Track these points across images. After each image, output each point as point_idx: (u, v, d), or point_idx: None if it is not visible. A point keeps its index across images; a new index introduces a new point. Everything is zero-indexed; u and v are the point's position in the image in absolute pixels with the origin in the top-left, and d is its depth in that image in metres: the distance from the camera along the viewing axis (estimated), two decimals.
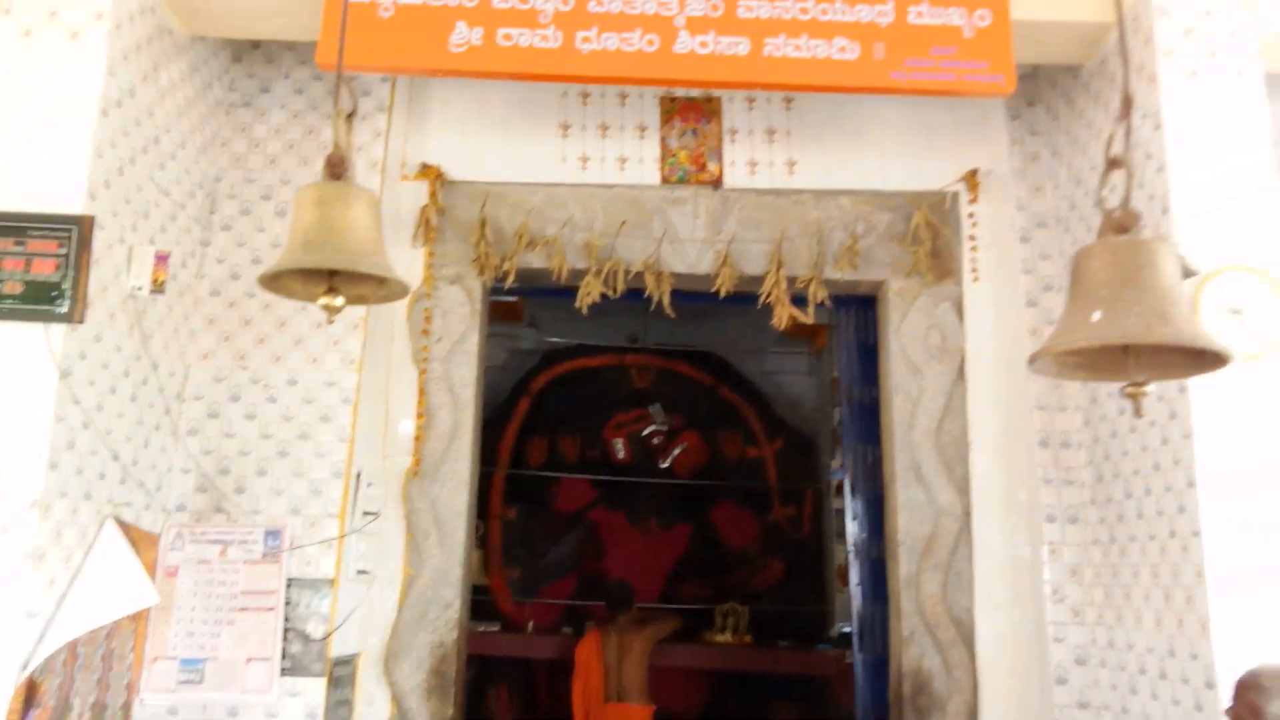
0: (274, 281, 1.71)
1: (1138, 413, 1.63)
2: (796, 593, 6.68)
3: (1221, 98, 3.13)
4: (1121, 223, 1.63)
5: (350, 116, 1.72)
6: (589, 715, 5.31)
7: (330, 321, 1.76)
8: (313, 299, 1.70)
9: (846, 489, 4.36)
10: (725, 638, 6.22)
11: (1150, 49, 3.18)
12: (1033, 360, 1.72)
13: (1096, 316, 1.56)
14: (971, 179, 3.93)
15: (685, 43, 3.23)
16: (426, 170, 3.97)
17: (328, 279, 1.68)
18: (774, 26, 3.25)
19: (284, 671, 3.39)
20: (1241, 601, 2.81)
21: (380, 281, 1.74)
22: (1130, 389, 1.63)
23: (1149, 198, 3.16)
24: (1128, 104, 1.66)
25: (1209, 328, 2.92)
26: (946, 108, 4.00)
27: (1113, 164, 1.69)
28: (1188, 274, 2.82)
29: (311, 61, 3.71)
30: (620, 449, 6.87)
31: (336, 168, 1.68)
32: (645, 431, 6.89)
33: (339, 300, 1.68)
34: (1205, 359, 1.66)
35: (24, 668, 2.78)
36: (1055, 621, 3.57)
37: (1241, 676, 2.40)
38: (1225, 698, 2.48)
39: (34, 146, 3.00)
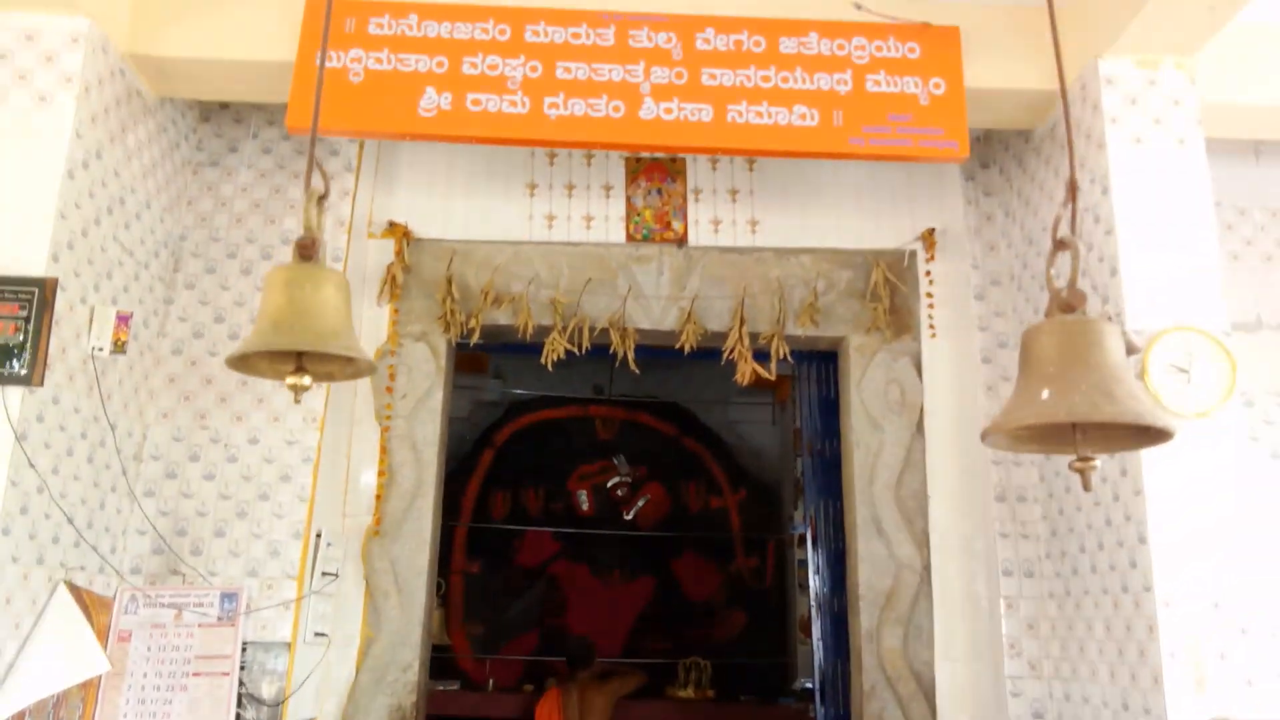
0: (242, 362, 1.72)
1: (1085, 486, 1.69)
2: (759, 644, 6.67)
3: (1166, 163, 3.26)
4: (1068, 302, 1.70)
5: (322, 199, 1.75)
6: None
7: (297, 400, 1.77)
8: (280, 377, 1.71)
9: (808, 544, 4.40)
10: (688, 693, 6.17)
11: (1097, 116, 3.31)
12: (985, 436, 1.78)
13: (1045, 394, 1.62)
14: (929, 238, 4.04)
15: (650, 109, 3.31)
16: (394, 228, 3.99)
17: (295, 358, 1.69)
18: (736, 94, 3.34)
19: None
20: (1193, 656, 2.87)
21: (348, 360, 1.76)
22: (1078, 463, 1.69)
23: (1098, 259, 3.27)
24: (1073, 187, 1.74)
25: (1155, 387, 3.02)
26: (903, 169, 4.12)
27: (1060, 245, 1.76)
28: (1132, 350, 2.93)
29: (280, 121, 3.74)
30: (584, 501, 6.86)
31: (307, 250, 1.70)
32: (609, 483, 6.89)
33: (306, 380, 1.69)
34: (1150, 434, 1.73)
35: None
36: (1013, 675, 3.60)
37: None
38: None
39: None
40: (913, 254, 4.07)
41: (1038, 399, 1.62)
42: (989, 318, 3.93)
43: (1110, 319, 3.12)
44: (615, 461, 6.95)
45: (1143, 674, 2.97)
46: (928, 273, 4.04)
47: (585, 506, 6.86)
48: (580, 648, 5.55)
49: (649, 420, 7.19)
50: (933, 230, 4.05)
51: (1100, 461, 3.20)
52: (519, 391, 7.33)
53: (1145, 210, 3.21)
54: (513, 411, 7.20)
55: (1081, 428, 1.69)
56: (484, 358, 6.63)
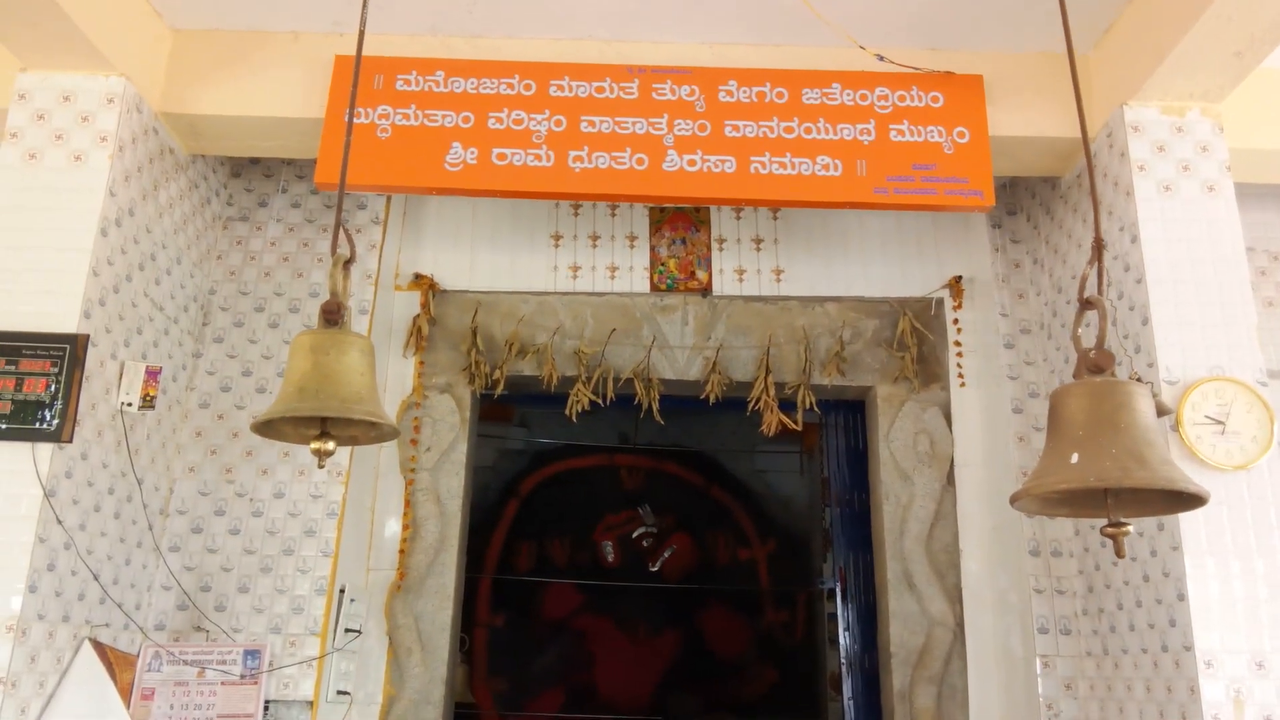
0: (267, 427, 1.72)
1: (1119, 553, 1.63)
2: (789, 703, 6.51)
3: (1195, 210, 3.22)
4: (1097, 363, 1.66)
5: (348, 264, 1.75)
6: None
7: (321, 466, 1.76)
8: (305, 442, 1.71)
9: (838, 597, 4.31)
10: None
11: (1125, 163, 3.29)
12: (1014, 500, 1.73)
13: (1074, 459, 1.58)
14: (956, 285, 4.00)
15: (674, 161, 3.32)
16: (420, 280, 4.02)
17: (320, 424, 1.69)
18: (759, 145, 3.36)
19: None
20: (1236, 718, 2.76)
21: (372, 425, 1.75)
22: (1110, 529, 1.64)
23: (1129, 309, 3.22)
24: (1099, 246, 1.71)
25: (1190, 439, 2.95)
26: (930, 217, 4.10)
27: (1087, 304, 1.73)
28: (1162, 412, 2.87)
29: (309, 175, 3.79)
30: (609, 552, 6.77)
31: (332, 315, 1.71)
32: (635, 533, 6.81)
33: (330, 445, 1.69)
34: (1184, 498, 1.67)
35: None
36: None
37: None
38: None
39: (31, 266, 3.03)
40: (940, 302, 4.04)
41: (1067, 463, 1.58)
42: (1019, 366, 3.88)
43: (1140, 379, 3.06)
44: (641, 511, 6.87)
45: None
46: (955, 321, 4.00)
47: (610, 558, 6.77)
48: (683, 707, 5.41)
49: (675, 469, 7.10)
50: (960, 278, 4.02)
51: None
52: (544, 440, 7.30)
53: (1176, 258, 3.17)
54: (538, 461, 7.14)
55: (1114, 492, 1.65)
56: (510, 407, 6.61)
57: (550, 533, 6.86)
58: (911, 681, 3.70)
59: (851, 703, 4.10)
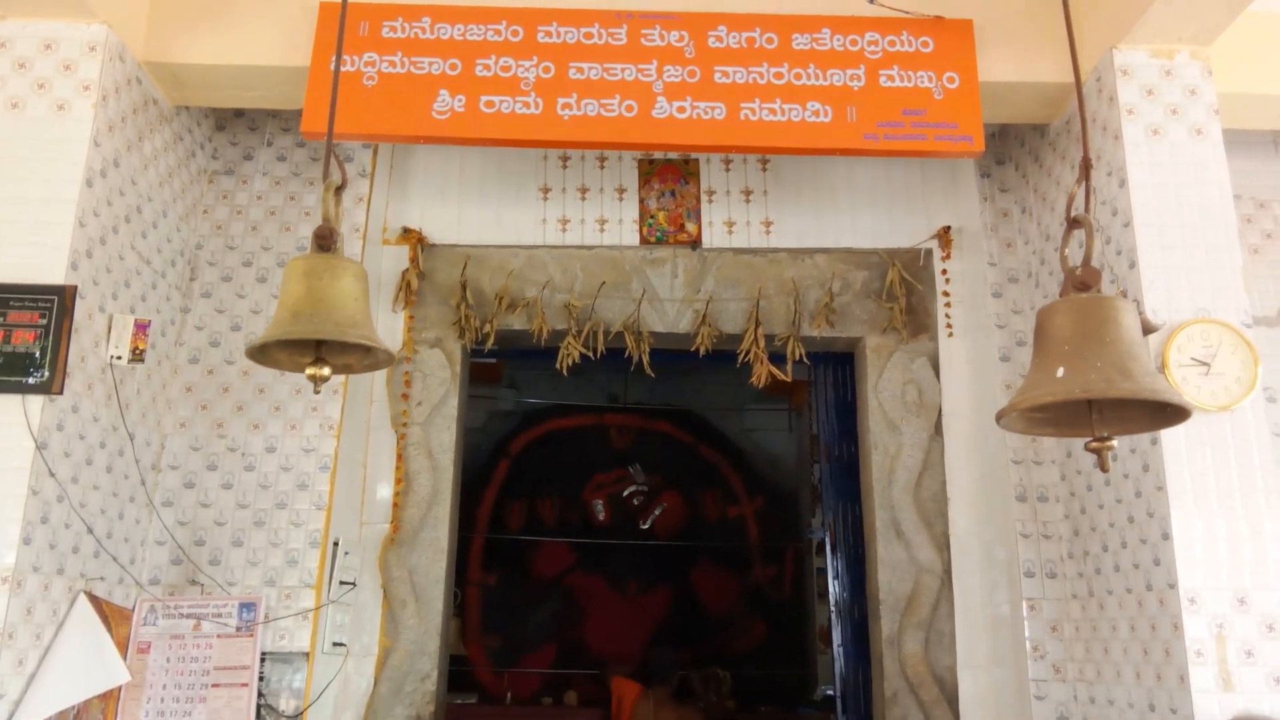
0: (261, 353, 1.72)
1: (1103, 467, 1.66)
2: (778, 655, 6.60)
3: (1183, 154, 3.23)
4: (1083, 280, 1.68)
5: (339, 190, 1.75)
6: None
7: (316, 391, 1.76)
8: (299, 369, 1.71)
9: (827, 548, 4.36)
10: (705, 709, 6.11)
11: (1114, 108, 3.29)
12: (1000, 417, 1.75)
13: (1060, 373, 1.60)
14: (944, 236, 4.02)
15: (663, 108, 3.31)
16: (408, 234, 4.00)
17: (314, 349, 1.69)
18: (749, 91, 3.34)
19: None
20: (1219, 655, 2.82)
21: (366, 350, 1.75)
22: (1095, 444, 1.67)
23: (1116, 253, 3.24)
24: (1086, 165, 1.72)
25: (1176, 380, 2.99)
26: (918, 167, 4.10)
27: (1074, 223, 1.74)
28: (1148, 330, 2.89)
29: (295, 129, 3.76)
30: (600, 510, 6.82)
31: (325, 240, 1.70)
32: (625, 492, 6.85)
33: (325, 370, 1.69)
34: (1168, 413, 1.70)
35: None
36: (1036, 679, 3.55)
37: None
38: None
39: (17, 217, 3.00)
40: (929, 253, 4.05)
41: (1053, 378, 1.60)
42: (1007, 315, 3.90)
43: (1125, 293, 3.07)
44: (631, 470, 6.91)
45: (1168, 674, 2.92)
46: (944, 271, 4.02)
47: (601, 516, 6.82)
48: (662, 657, 5.49)
49: (665, 428, 7.15)
50: (948, 228, 4.03)
51: (1122, 456, 3.17)
52: (533, 400, 7.32)
53: (1163, 202, 3.18)
54: (528, 421, 7.18)
55: (1098, 407, 1.67)
56: (498, 367, 6.62)
57: (541, 492, 6.90)
58: (900, 628, 3.75)
59: (841, 649, 4.16)
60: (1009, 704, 3.62)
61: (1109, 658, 3.27)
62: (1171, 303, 3.07)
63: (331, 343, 1.69)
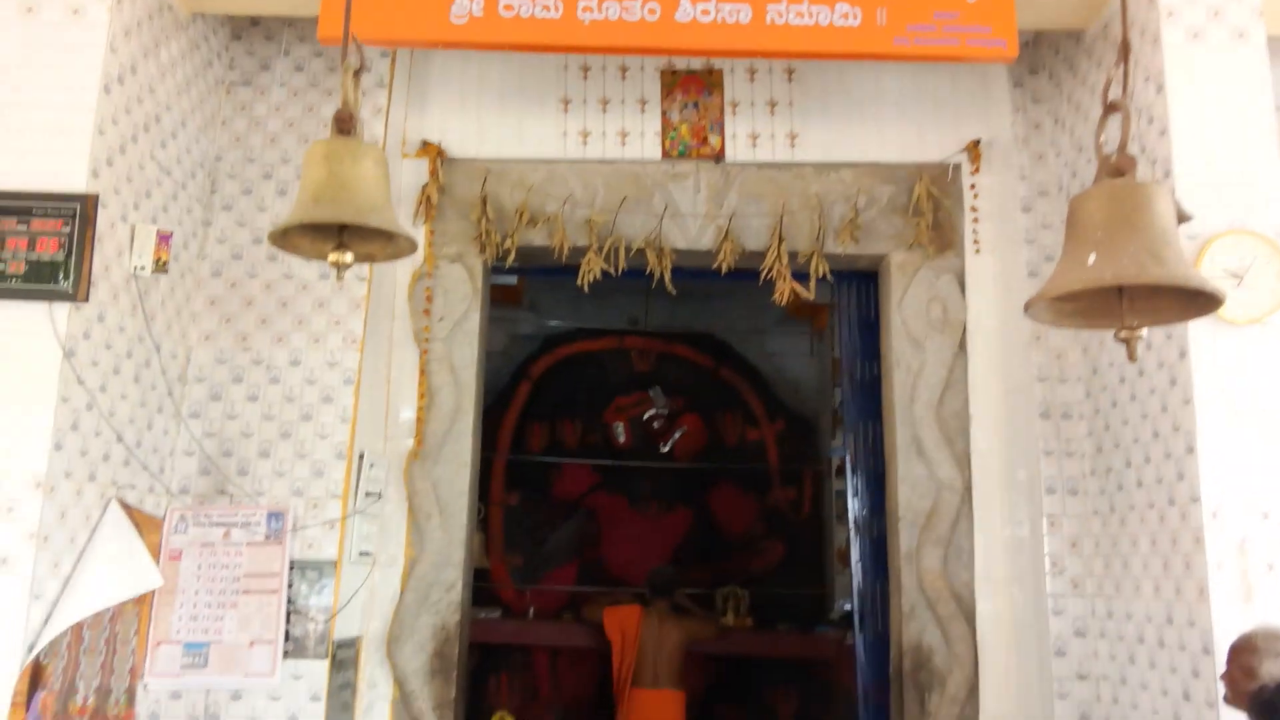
0: (283, 239, 1.71)
1: (1130, 356, 1.63)
2: (796, 575, 6.68)
3: (1224, 60, 3.13)
4: (1118, 166, 1.63)
5: (358, 73, 1.72)
6: (619, 690, 5.28)
7: (339, 279, 1.76)
8: (321, 256, 1.70)
9: (848, 467, 4.36)
10: (727, 621, 6.22)
11: (1153, 10, 3.18)
12: (1028, 307, 1.72)
13: (1091, 260, 1.56)
14: (974, 149, 3.93)
15: (687, 11, 3.22)
16: (427, 148, 3.96)
17: (336, 235, 1.68)
18: None
19: (286, 654, 3.39)
20: (1239, 567, 2.82)
21: (388, 238, 1.74)
22: (1124, 333, 1.63)
23: (1151, 162, 3.16)
24: (1126, 48, 1.66)
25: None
26: (948, 77, 3.99)
27: (1110, 108, 1.69)
28: (1182, 218, 2.81)
29: (312, 38, 3.69)
30: (621, 433, 6.86)
31: (345, 123, 1.68)
32: (646, 415, 6.88)
33: (348, 256, 1.68)
34: (1199, 301, 1.66)
35: (30, 650, 2.78)
36: (1054, 594, 3.57)
37: (1236, 640, 2.42)
38: (1222, 663, 2.50)
39: (36, 124, 3.00)
40: (957, 167, 3.97)
41: (1084, 265, 1.56)
42: (1036, 230, 3.83)
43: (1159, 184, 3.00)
44: (651, 394, 6.93)
45: (1188, 587, 2.92)
46: (972, 186, 3.94)
47: (622, 439, 6.87)
48: (661, 576, 5.56)
49: (685, 352, 7.15)
50: (978, 141, 3.94)
51: (1149, 371, 3.13)
52: (554, 323, 7.32)
53: (1201, 109, 3.09)
54: (549, 344, 7.19)
55: (1129, 296, 1.63)
56: (519, 289, 6.60)
57: (562, 415, 6.95)
58: (918, 544, 3.78)
59: (859, 566, 4.19)
60: (1026, 619, 3.65)
61: (1128, 572, 3.28)
62: (1206, 212, 3.00)
63: (353, 229, 1.68)
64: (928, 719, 3.62)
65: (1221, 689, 2.43)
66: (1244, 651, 2.36)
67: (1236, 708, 2.39)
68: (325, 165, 1.64)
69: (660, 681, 5.26)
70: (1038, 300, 1.67)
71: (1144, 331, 1.64)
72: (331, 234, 1.69)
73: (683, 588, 5.68)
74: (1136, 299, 1.66)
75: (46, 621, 2.83)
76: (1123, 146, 1.65)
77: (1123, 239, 1.54)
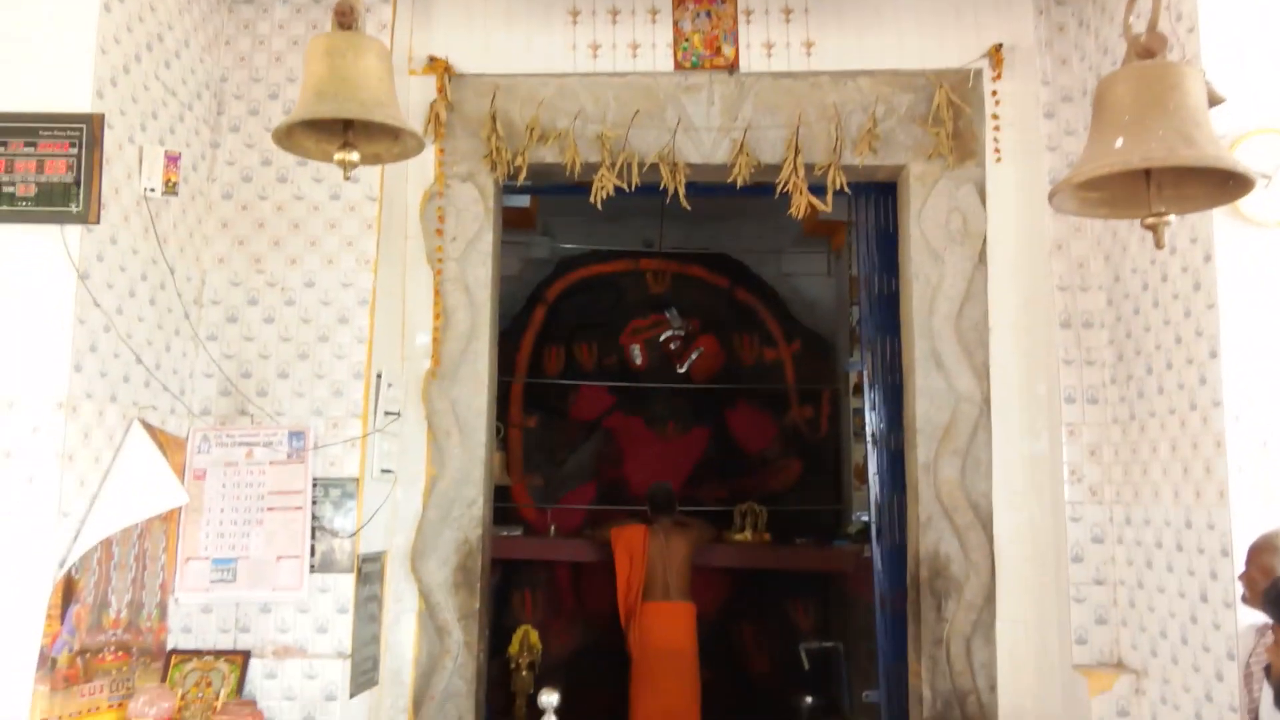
0: (287, 138, 1.68)
1: (1158, 244, 1.59)
2: (814, 493, 6.74)
3: None
4: (1148, 47, 1.57)
5: None
6: (628, 606, 5.41)
7: (346, 178, 1.73)
8: (326, 157, 1.67)
9: (865, 381, 4.35)
10: (745, 536, 6.31)
11: None
12: (1053, 195, 1.68)
13: (1119, 143, 1.51)
14: (996, 54, 3.81)
15: None
16: (434, 64, 3.88)
17: (341, 134, 1.65)
18: None
19: (313, 569, 3.46)
20: (1260, 470, 2.80)
21: (394, 137, 1.71)
22: (1151, 219, 1.59)
23: (1179, 58, 3.05)
24: None
25: (1234, 203, 2.85)
26: None
27: None
28: (1214, 100, 2.72)
29: None
30: (637, 355, 6.87)
31: (345, 17, 1.63)
32: (662, 337, 6.88)
33: (354, 155, 1.65)
34: (1230, 186, 1.61)
35: (62, 565, 2.85)
36: (1072, 501, 3.58)
37: (1255, 540, 2.41)
38: (1240, 565, 2.50)
39: (38, 43, 2.95)
40: (978, 73, 3.86)
41: (1111, 149, 1.51)
42: (1059, 137, 3.74)
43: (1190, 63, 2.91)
44: (668, 315, 6.91)
45: (1208, 490, 2.92)
46: (994, 92, 3.84)
47: (639, 361, 6.88)
48: (662, 493, 5.66)
49: (701, 273, 7.11)
50: (1000, 46, 3.83)
51: (1173, 276, 3.08)
52: (568, 246, 7.28)
53: (1231, 3, 2.97)
54: (563, 268, 7.17)
55: (1156, 181, 1.58)
56: (532, 213, 6.55)
57: (578, 337, 6.96)
58: (936, 455, 3.78)
59: (876, 478, 4.21)
60: (1043, 526, 3.68)
61: (1147, 478, 3.27)
62: (1235, 111, 2.89)
63: (358, 129, 1.65)
64: (945, 625, 3.67)
65: (1240, 589, 2.44)
66: (1264, 551, 2.36)
67: (1254, 607, 2.40)
68: (326, 60, 1.60)
69: (671, 594, 5.40)
70: (1063, 187, 1.63)
71: (1172, 218, 1.59)
72: (336, 132, 1.66)
73: (679, 505, 5.78)
74: (1165, 185, 1.61)
75: (76, 537, 2.90)
76: (1153, 25, 1.58)
77: (1152, 121, 1.49)
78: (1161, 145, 1.46)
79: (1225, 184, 1.60)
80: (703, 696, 5.54)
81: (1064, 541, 3.57)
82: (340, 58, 1.59)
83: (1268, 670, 2.33)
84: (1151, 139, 1.47)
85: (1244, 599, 2.43)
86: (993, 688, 3.64)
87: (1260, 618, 2.51)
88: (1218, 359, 2.88)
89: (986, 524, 3.72)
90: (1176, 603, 3.07)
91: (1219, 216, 2.87)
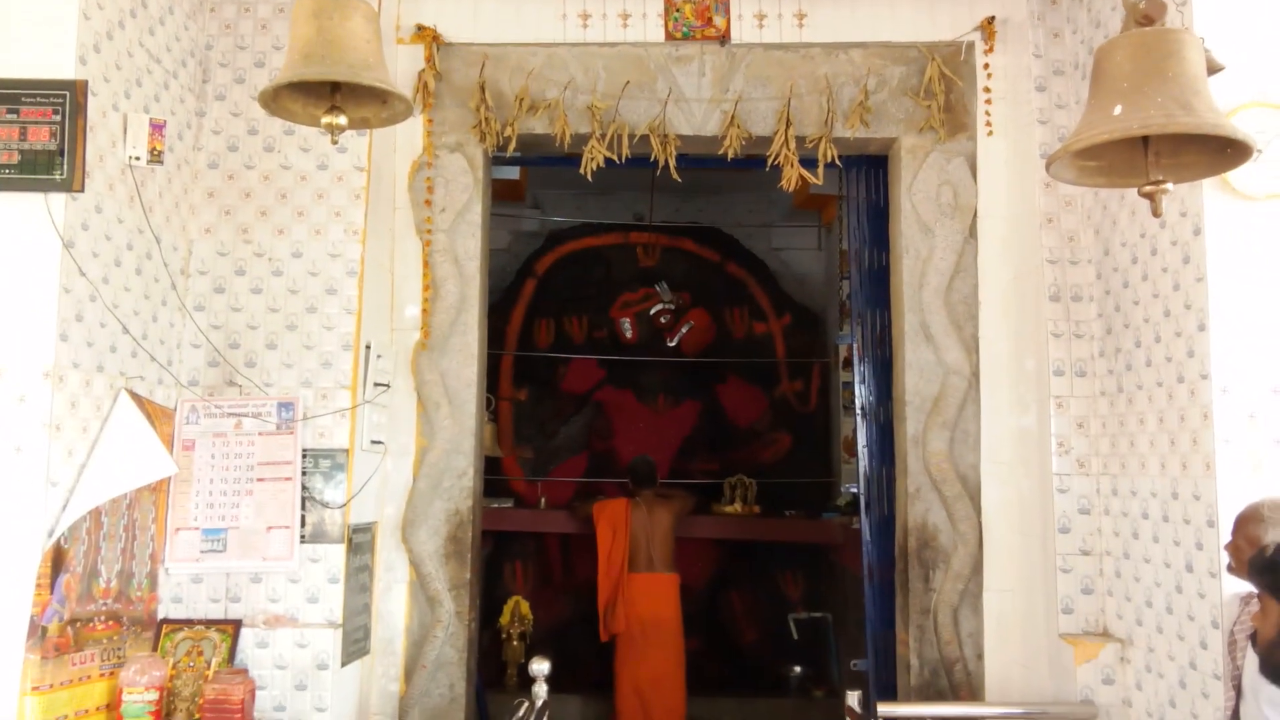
0: (274, 101, 1.66)
1: (1155, 211, 1.59)
2: (803, 465, 6.77)
3: None
4: (1147, 14, 1.56)
5: None
6: (610, 580, 5.44)
7: (334, 142, 1.72)
8: (314, 122, 1.65)
9: (855, 354, 4.36)
10: (734, 509, 6.34)
11: None
12: (1050, 163, 1.67)
13: (1117, 110, 1.51)
14: (988, 27, 3.80)
15: None
16: (422, 32, 3.84)
17: (329, 99, 1.62)
18: None
19: (304, 539, 3.46)
20: (1247, 442, 2.82)
21: (382, 101, 1.69)
22: (1149, 187, 1.59)
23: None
24: None
25: (1224, 175, 2.85)
26: None
27: None
28: (1214, 69, 2.71)
29: None
30: (628, 328, 6.86)
31: None
32: (653, 310, 6.87)
33: (342, 119, 1.63)
34: (1229, 154, 1.61)
35: (50, 534, 2.84)
36: (1060, 473, 3.60)
37: (1242, 510, 2.43)
38: (1226, 534, 2.52)
39: (20, 9, 2.90)
40: (970, 46, 3.85)
41: (1109, 116, 1.51)
42: (1050, 110, 3.73)
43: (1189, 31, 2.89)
44: (658, 289, 6.91)
45: (1195, 461, 2.94)
46: (986, 66, 3.83)
47: (629, 334, 6.87)
48: (645, 466, 5.69)
49: (691, 247, 7.09)
50: (992, 19, 3.81)
51: (1162, 250, 3.08)
52: (558, 219, 7.25)
53: None
54: (553, 241, 7.14)
55: (1154, 149, 1.58)
56: (521, 185, 6.52)
57: (568, 311, 6.95)
58: (925, 428, 3.80)
59: (865, 450, 4.23)
60: (1031, 498, 3.70)
61: (1134, 450, 3.30)
62: (1228, 83, 2.88)
63: (346, 93, 1.63)
64: (932, 594, 3.71)
65: (1225, 559, 2.47)
66: (1250, 521, 2.38)
67: (1239, 576, 2.43)
68: (314, 22, 1.58)
69: (655, 565, 5.45)
70: (1060, 155, 1.62)
71: (1169, 186, 1.59)
72: (323, 98, 1.64)
73: (671, 478, 5.82)
74: (1163, 154, 1.61)
75: (64, 507, 2.89)
76: None
77: (1151, 88, 1.48)
78: (1160, 112, 1.46)
79: (1224, 152, 1.60)
80: (692, 666, 5.59)
81: (1051, 513, 3.60)
82: (327, 19, 1.57)
83: (1253, 638, 2.36)
84: (1150, 106, 1.47)
85: (1229, 568, 2.45)
86: (980, 656, 3.69)
87: (1245, 587, 2.53)
88: (1206, 332, 2.89)
89: (974, 495, 3.75)
90: (1162, 572, 3.10)
91: (1209, 189, 2.87)
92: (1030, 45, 3.78)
